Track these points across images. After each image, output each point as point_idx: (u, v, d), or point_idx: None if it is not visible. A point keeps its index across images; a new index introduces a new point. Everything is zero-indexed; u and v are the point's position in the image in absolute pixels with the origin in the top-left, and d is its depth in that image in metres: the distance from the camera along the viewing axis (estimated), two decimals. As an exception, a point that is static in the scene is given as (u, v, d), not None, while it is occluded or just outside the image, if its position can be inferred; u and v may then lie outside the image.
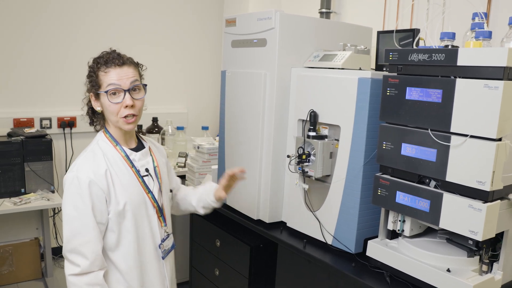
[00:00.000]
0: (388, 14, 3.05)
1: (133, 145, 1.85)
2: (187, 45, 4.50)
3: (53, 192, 3.46)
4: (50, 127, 3.87)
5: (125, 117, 1.71)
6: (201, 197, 2.10)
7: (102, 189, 1.67)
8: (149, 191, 1.80)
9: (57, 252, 4.10)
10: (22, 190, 3.36)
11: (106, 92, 1.69)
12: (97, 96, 1.75)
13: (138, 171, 1.79)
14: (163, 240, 1.85)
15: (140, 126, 3.89)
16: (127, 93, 1.69)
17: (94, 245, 1.66)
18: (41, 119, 3.84)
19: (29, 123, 3.77)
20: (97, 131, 1.86)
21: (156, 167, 1.88)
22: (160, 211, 1.84)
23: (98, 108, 1.77)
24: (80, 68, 3.92)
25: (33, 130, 3.55)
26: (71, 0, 3.89)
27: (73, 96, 3.98)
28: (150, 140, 2.01)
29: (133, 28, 4.19)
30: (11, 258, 3.69)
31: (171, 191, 2.03)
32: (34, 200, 3.25)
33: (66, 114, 3.94)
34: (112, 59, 1.70)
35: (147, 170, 1.82)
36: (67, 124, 3.93)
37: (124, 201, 1.71)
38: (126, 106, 1.69)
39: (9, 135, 3.47)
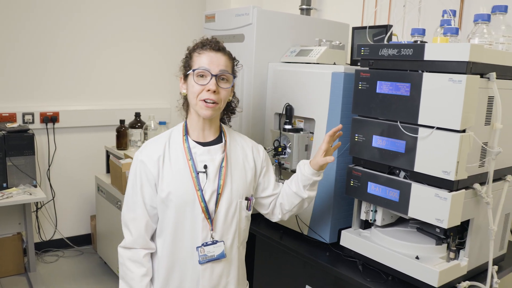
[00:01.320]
0: (366, 11, 3.12)
1: (210, 139, 1.78)
2: (171, 41, 4.53)
3: (35, 186, 3.47)
4: (33, 122, 3.88)
5: (205, 101, 1.66)
6: (298, 178, 1.88)
7: (152, 172, 1.70)
8: (199, 188, 1.70)
9: (40, 247, 4.13)
10: (4, 184, 3.37)
11: (194, 71, 1.68)
12: (186, 77, 1.74)
13: (194, 166, 1.72)
14: (205, 244, 1.71)
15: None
16: (213, 78, 1.66)
17: (139, 224, 1.72)
18: (24, 114, 3.84)
19: (11, 118, 3.78)
20: None
21: (223, 168, 1.75)
22: (207, 212, 1.70)
23: (183, 90, 1.76)
24: (63, 63, 3.99)
25: (15, 125, 3.56)
26: (55, -3, 3.91)
27: (56, 91, 4.02)
28: (240, 139, 1.89)
29: (117, 25, 4.21)
30: (-6, 253, 3.70)
31: (247, 199, 1.81)
32: (16, 195, 3.27)
33: (49, 109, 3.95)
34: (209, 42, 1.72)
35: (205, 167, 1.73)
36: (50, 119, 3.94)
37: (168, 191, 1.69)
38: (209, 90, 1.65)
39: (-9, 130, 3.48)
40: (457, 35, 1.76)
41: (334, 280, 2.00)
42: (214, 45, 1.71)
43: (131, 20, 4.29)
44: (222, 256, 1.73)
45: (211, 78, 1.65)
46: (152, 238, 1.77)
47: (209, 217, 1.70)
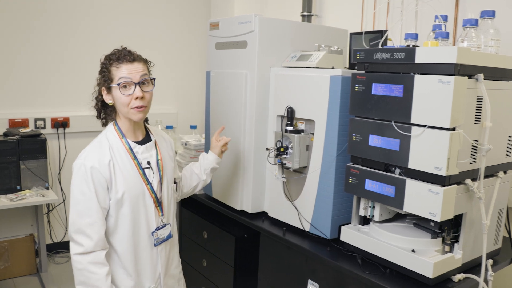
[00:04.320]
0: (365, 17, 3.21)
1: (140, 138, 1.99)
2: (177, 48, 4.65)
3: (47, 189, 3.57)
4: (44, 127, 4.00)
5: (136, 107, 1.84)
6: (201, 162, 2.36)
7: (104, 177, 1.83)
8: (148, 182, 1.93)
9: (52, 248, 4.24)
10: (18, 187, 3.48)
11: (118, 85, 1.83)
12: (109, 90, 1.88)
13: (139, 163, 1.93)
14: (157, 229, 1.97)
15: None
16: (137, 86, 1.84)
17: (98, 227, 1.82)
18: (36, 120, 3.96)
19: (24, 123, 3.89)
20: (104, 124, 2.02)
21: (159, 160, 2.01)
22: (157, 201, 1.97)
23: (109, 101, 1.90)
24: (72, 70, 4.12)
25: (28, 130, 3.68)
26: (66, 4, 4.03)
27: (67, 97, 4.13)
28: (159, 133, 2.14)
29: (125, 32, 4.32)
30: (7, 253, 3.80)
31: (175, 182, 2.14)
32: (29, 197, 3.37)
33: (59, 115, 4.07)
34: (124, 55, 1.87)
35: (148, 163, 1.96)
36: (61, 124, 4.06)
37: (123, 190, 1.86)
38: (137, 98, 1.83)
39: (5, 134, 3.59)
40: (448, 39, 1.85)
41: (335, 273, 2.08)
42: (129, 57, 1.87)
43: (138, 27, 4.41)
44: (169, 237, 2.04)
45: (135, 87, 1.83)
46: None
47: (159, 204, 1.98)
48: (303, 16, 3.52)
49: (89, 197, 1.81)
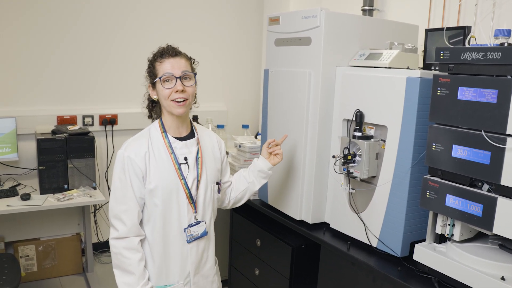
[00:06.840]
0: (433, 11, 2.97)
1: (184, 134, 2.03)
2: (227, 44, 4.51)
3: (94, 188, 3.50)
4: (92, 124, 3.94)
5: (176, 101, 1.90)
6: (250, 166, 2.34)
7: (140, 167, 1.91)
8: (182, 177, 1.96)
9: (98, 247, 4.19)
10: (65, 186, 3.42)
11: (160, 78, 1.90)
12: (154, 85, 1.96)
13: (176, 158, 1.96)
14: (190, 225, 1.98)
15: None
16: (178, 80, 1.90)
17: (132, 214, 1.92)
18: (84, 117, 3.91)
19: (72, 120, 3.84)
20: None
21: (199, 158, 2.02)
22: (191, 197, 1.97)
23: (154, 96, 1.99)
24: (121, 67, 4.02)
25: (76, 127, 3.62)
26: (112, -1, 3.96)
27: (115, 94, 4.06)
28: (208, 133, 2.17)
29: (173, 27, 4.22)
30: (54, 252, 3.79)
31: (218, 183, 2.11)
32: (76, 197, 3.31)
33: (107, 112, 4.01)
34: (166, 51, 1.94)
35: (185, 159, 1.98)
36: (109, 121, 3.99)
37: (156, 182, 1.92)
38: (177, 91, 1.89)
39: (53, 132, 3.53)
40: (549, 37, 1.63)
41: (407, 296, 1.89)
42: (171, 52, 1.94)
43: (187, 23, 4.29)
44: (204, 234, 2.03)
45: (176, 80, 1.90)
46: (140, 225, 1.98)
47: (192, 201, 1.98)
48: (364, 10, 3.30)
49: (125, 185, 1.91)
